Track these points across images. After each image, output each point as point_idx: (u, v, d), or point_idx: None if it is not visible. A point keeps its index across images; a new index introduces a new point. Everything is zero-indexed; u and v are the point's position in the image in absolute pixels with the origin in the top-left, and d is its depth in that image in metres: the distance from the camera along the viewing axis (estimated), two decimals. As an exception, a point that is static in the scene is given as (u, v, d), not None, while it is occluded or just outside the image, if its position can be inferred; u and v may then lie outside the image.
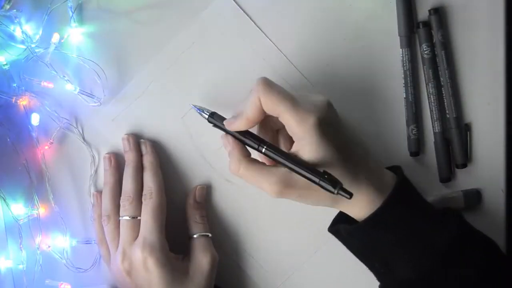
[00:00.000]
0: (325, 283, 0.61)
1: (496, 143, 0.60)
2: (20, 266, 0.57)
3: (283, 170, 0.51)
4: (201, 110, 0.55)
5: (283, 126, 0.52)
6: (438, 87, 0.59)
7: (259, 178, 0.51)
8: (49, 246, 0.58)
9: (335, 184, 0.48)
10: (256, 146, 0.52)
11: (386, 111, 0.60)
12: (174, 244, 0.57)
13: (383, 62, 0.59)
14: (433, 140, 0.60)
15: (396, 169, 0.55)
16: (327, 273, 0.61)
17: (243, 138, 0.52)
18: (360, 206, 0.52)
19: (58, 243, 0.59)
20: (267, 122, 0.54)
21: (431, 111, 0.60)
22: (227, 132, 0.53)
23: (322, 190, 0.49)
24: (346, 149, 0.51)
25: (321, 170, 0.49)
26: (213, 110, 0.54)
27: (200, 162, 0.60)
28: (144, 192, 0.57)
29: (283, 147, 0.55)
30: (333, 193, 0.48)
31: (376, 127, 0.60)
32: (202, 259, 0.57)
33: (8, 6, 0.57)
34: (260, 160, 0.53)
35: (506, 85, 0.59)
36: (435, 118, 0.59)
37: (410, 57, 0.59)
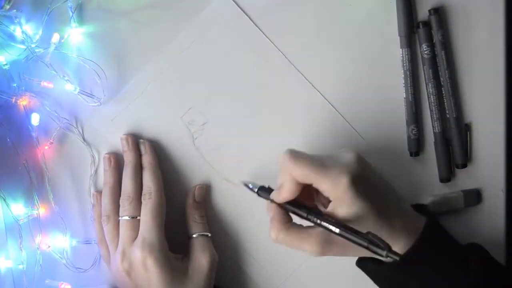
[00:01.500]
0: (324, 283, 0.61)
1: (496, 143, 0.60)
2: (20, 266, 0.57)
3: (321, 229, 0.51)
4: (251, 185, 0.56)
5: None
6: (438, 87, 0.59)
7: (299, 242, 0.52)
8: (49, 246, 0.58)
9: (382, 248, 0.47)
10: (304, 215, 0.52)
11: (386, 111, 0.60)
12: (173, 244, 0.57)
13: (383, 62, 0.59)
14: (433, 140, 0.60)
15: (422, 208, 0.56)
16: (327, 273, 0.61)
17: (290, 208, 0.53)
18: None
19: (58, 243, 0.59)
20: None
21: (431, 111, 0.60)
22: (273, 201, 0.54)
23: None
24: (380, 200, 0.52)
25: (365, 232, 0.49)
26: (261, 185, 0.55)
27: (199, 162, 0.60)
28: (144, 192, 0.57)
29: (319, 204, 0.54)
30: (382, 256, 0.48)
31: (376, 127, 0.60)
32: (201, 258, 0.57)
33: (8, 6, 0.56)
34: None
35: (506, 85, 0.59)
36: (435, 118, 0.59)
37: (410, 57, 0.59)
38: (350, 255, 0.53)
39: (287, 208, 0.53)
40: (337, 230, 0.49)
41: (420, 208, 0.56)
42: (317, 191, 0.53)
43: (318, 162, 0.51)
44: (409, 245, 0.52)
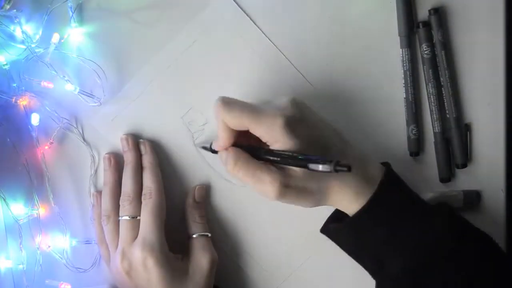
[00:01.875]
0: (324, 283, 0.61)
1: (496, 143, 0.60)
2: (20, 266, 0.57)
3: (281, 171, 0.51)
4: (205, 148, 0.57)
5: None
6: (438, 87, 0.59)
7: (258, 176, 0.51)
8: (49, 246, 0.58)
9: (330, 162, 0.47)
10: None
11: (386, 111, 0.60)
12: (173, 244, 0.57)
13: (383, 62, 0.59)
14: (433, 140, 0.60)
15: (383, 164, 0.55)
16: (326, 273, 0.61)
17: None
18: (349, 199, 0.52)
19: (58, 243, 0.59)
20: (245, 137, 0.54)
21: (431, 111, 0.60)
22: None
23: (312, 181, 0.49)
24: (320, 141, 0.51)
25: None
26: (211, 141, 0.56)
27: (199, 162, 0.60)
28: (144, 192, 0.57)
29: None
30: (330, 171, 0.46)
31: (376, 127, 0.60)
32: (201, 259, 0.57)
33: (8, 6, 0.56)
34: None
35: (506, 85, 0.59)
36: (435, 118, 0.59)
37: (410, 57, 0.59)
38: (308, 201, 0.52)
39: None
40: (278, 158, 0.49)
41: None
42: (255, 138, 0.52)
43: (251, 107, 0.51)
44: (365, 191, 0.52)
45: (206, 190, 0.60)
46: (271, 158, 0.51)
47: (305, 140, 0.50)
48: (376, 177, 0.53)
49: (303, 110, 0.53)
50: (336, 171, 0.46)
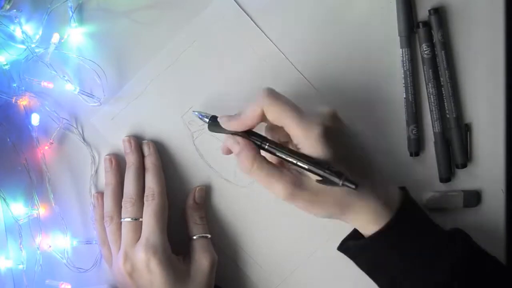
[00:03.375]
0: (323, 284, 0.61)
1: (496, 143, 0.60)
2: (20, 266, 0.57)
3: (294, 172, 0.51)
4: (202, 115, 0.54)
5: (288, 140, 0.52)
6: (438, 87, 0.59)
7: (270, 178, 0.51)
8: (49, 246, 0.58)
9: (339, 175, 0.48)
10: (259, 142, 0.52)
11: (386, 111, 0.60)
12: (174, 244, 0.57)
13: (383, 62, 0.59)
14: (433, 140, 0.60)
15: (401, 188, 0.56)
16: (326, 273, 0.61)
17: (247, 136, 0.52)
18: (367, 220, 0.53)
19: (59, 243, 0.59)
20: (273, 136, 0.54)
21: (431, 111, 0.60)
22: (232, 133, 0.53)
23: (329, 193, 0.49)
24: (351, 159, 0.52)
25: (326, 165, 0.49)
26: (213, 114, 0.54)
27: (198, 162, 0.60)
28: (146, 193, 0.57)
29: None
30: (338, 185, 0.48)
31: (376, 127, 0.60)
32: (202, 260, 0.57)
33: (8, 6, 0.56)
34: None
35: (506, 85, 0.59)
36: (435, 118, 0.59)
37: (410, 57, 0.59)
38: (318, 210, 0.52)
39: (243, 137, 0.52)
40: (291, 158, 0.49)
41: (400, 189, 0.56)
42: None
43: (295, 106, 0.51)
44: (387, 217, 0.52)
45: (206, 191, 0.60)
46: (285, 156, 0.50)
47: (335, 154, 0.50)
48: (394, 202, 0.53)
49: (341, 126, 0.53)
50: (343, 185, 0.47)
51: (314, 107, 0.53)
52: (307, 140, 0.50)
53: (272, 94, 0.51)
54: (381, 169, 0.56)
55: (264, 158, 0.52)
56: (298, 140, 0.51)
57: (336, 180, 0.48)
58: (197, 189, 0.60)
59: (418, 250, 0.52)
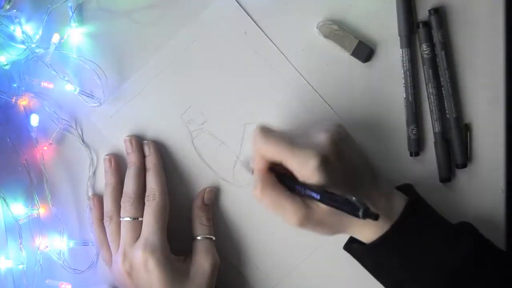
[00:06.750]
0: (320, 284, 0.61)
1: (496, 143, 0.60)
2: (20, 266, 0.57)
3: (304, 201, 0.51)
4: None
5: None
6: (438, 87, 0.59)
7: (281, 203, 0.51)
8: (46, 246, 0.58)
9: (358, 209, 0.47)
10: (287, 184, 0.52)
11: (386, 111, 0.60)
12: (174, 245, 0.57)
13: (383, 62, 0.59)
14: (433, 140, 0.60)
15: (407, 187, 0.56)
16: (323, 274, 0.61)
17: None
18: (369, 231, 0.53)
19: (55, 244, 0.59)
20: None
21: (431, 111, 0.60)
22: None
23: (335, 216, 0.50)
24: (352, 178, 0.52)
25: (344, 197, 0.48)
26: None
27: (196, 161, 0.60)
28: (147, 193, 0.57)
29: None
30: (358, 216, 0.47)
31: (376, 127, 0.60)
32: (204, 261, 0.57)
33: (8, 6, 0.57)
34: None
35: (506, 85, 0.59)
36: (435, 118, 0.59)
37: (410, 57, 0.59)
38: (327, 230, 0.53)
39: None
40: (317, 196, 0.49)
41: (406, 188, 0.55)
42: None
43: (287, 142, 0.51)
44: (387, 226, 0.52)
45: (216, 193, 0.60)
46: (303, 191, 0.50)
47: (336, 180, 0.50)
48: (398, 209, 0.53)
49: (342, 145, 0.52)
50: (364, 218, 0.47)
51: (312, 132, 0.52)
52: (304, 173, 0.50)
53: (263, 133, 0.51)
54: (385, 175, 0.56)
55: (278, 184, 0.52)
56: (297, 174, 0.51)
57: (356, 212, 0.47)
58: (206, 190, 0.60)
59: (421, 254, 0.52)
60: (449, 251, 0.52)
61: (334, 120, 0.55)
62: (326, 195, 0.49)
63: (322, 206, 0.50)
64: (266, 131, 0.52)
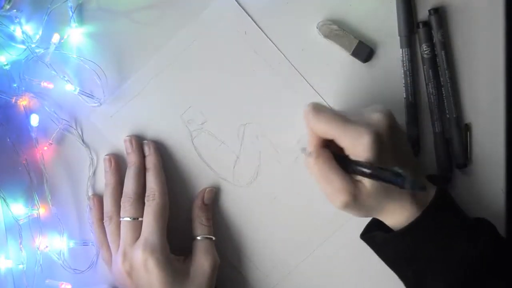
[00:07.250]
0: (320, 284, 0.61)
1: (496, 143, 0.60)
2: (20, 266, 0.57)
3: (354, 185, 0.51)
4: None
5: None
6: (438, 87, 0.59)
7: (332, 179, 0.51)
8: (46, 246, 0.58)
9: (406, 181, 0.48)
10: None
11: (386, 111, 0.60)
12: (174, 245, 0.57)
13: (383, 62, 0.59)
14: (433, 140, 0.60)
15: (435, 178, 0.56)
16: (324, 273, 0.61)
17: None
18: (399, 214, 0.53)
19: (55, 244, 0.59)
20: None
21: (431, 111, 0.60)
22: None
23: (374, 198, 0.51)
24: (400, 159, 0.52)
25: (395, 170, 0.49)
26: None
27: (196, 161, 0.60)
28: (147, 193, 0.57)
29: None
30: (406, 188, 0.48)
31: (376, 127, 0.60)
32: (204, 261, 0.57)
33: (8, 6, 0.57)
34: None
35: (506, 85, 0.59)
36: (435, 118, 0.59)
37: (410, 57, 0.59)
38: (361, 213, 0.53)
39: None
40: (368, 171, 0.49)
41: (431, 178, 0.56)
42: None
43: (340, 118, 0.51)
44: (417, 213, 0.52)
45: (216, 193, 0.60)
46: (358, 168, 0.50)
47: (387, 159, 0.50)
48: (428, 197, 0.53)
49: (392, 126, 0.52)
50: (412, 189, 0.48)
51: (367, 110, 0.53)
52: (356, 150, 0.50)
53: (314, 110, 0.52)
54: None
55: (332, 158, 0.52)
56: (349, 150, 0.51)
57: (406, 185, 0.48)
58: (206, 190, 0.60)
59: (445, 245, 0.52)
60: (471, 244, 0.52)
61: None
62: (377, 169, 0.49)
63: (368, 187, 0.50)
64: (318, 109, 0.52)
